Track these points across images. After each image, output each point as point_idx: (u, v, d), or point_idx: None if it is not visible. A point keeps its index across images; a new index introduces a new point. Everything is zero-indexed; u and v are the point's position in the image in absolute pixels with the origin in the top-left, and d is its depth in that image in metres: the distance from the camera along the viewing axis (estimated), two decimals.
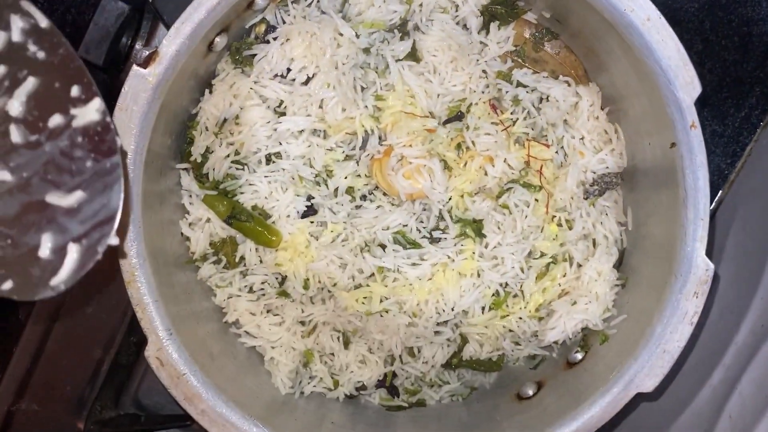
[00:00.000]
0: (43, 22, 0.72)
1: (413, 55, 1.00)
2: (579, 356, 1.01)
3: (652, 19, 0.82)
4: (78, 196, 0.71)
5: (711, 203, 1.21)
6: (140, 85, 0.83)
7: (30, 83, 0.71)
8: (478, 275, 1.00)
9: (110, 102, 0.77)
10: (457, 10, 1.02)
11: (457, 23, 1.02)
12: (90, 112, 0.71)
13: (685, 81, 0.84)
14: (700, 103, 1.19)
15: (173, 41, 0.83)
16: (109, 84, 1.12)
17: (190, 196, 1.01)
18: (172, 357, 0.89)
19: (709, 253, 0.87)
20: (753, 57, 1.20)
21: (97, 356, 1.18)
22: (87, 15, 1.16)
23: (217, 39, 0.91)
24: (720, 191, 1.22)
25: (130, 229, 0.86)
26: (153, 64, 0.82)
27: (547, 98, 1.02)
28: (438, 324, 1.02)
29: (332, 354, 1.04)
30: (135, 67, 0.82)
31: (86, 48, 1.16)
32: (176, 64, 0.84)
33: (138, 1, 1.12)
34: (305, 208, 1.00)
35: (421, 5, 1.00)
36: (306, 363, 1.05)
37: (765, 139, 1.23)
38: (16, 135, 0.70)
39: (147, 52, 0.82)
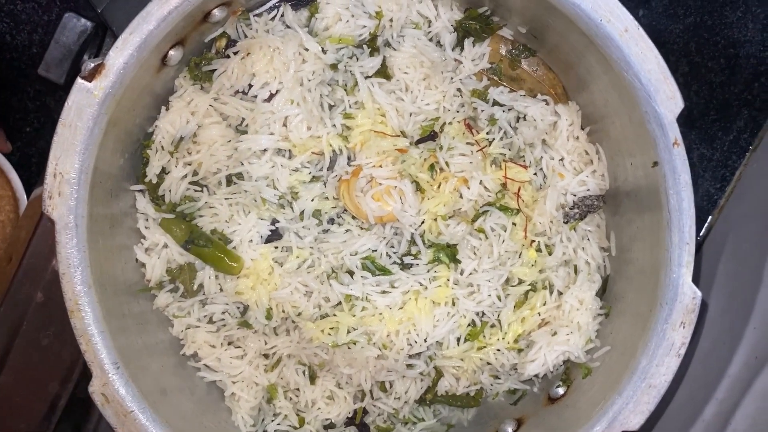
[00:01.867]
0: None
1: (383, 72, 0.96)
2: (561, 391, 0.96)
3: (630, 30, 0.78)
4: None
5: (701, 230, 1.18)
6: (85, 99, 0.78)
7: None
8: (453, 304, 0.95)
9: None
10: (429, 26, 0.98)
11: (430, 39, 0.98)
12: None
13: (666, 96, 0.79)
14: (688, 126, 1.18)
15: (120, 53, 0.78)
16: None
17: (146, 219, 0.95)
18: (118, 393, 0.83)
19: (697, 280, 0.82)
20: (740, 79, 1.18)
21: (53, 391, 1.12)
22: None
23: (172, 52, 0.87)
24: (710, 217, 1.19)
25: (73, 254, 0.80)
26: (99, 78, 0.78)
27: (525, 117, 0.98)
28: (410, 356, 0.96)
29: (297, 389, 0.98)
30: (79, 80, 0.77)
31: (46, 67, 1.12)
32: (124, 77, 0.79)
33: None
34: (269, 233, 0.95)
35: (391, 20, 0.96)
36: (269, 399, 0.99)
37: (755, 162, 1.20)
38: None
39: (92, 65, 0.77)
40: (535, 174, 0.98)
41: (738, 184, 1.20)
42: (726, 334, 1.10)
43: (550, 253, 0.96)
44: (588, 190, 0.97)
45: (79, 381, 1.12)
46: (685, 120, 1.17)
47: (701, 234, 1.18)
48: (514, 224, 0.96)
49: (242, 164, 0.93)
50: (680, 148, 0.79)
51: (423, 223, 0.95)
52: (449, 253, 0.95)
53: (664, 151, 0.80)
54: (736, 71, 1.18)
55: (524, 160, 0.98)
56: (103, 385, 0.82)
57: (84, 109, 0.78)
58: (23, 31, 1.19)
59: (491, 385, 0.99)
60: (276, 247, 0.95)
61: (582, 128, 0.98)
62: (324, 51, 0.94)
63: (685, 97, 1.18)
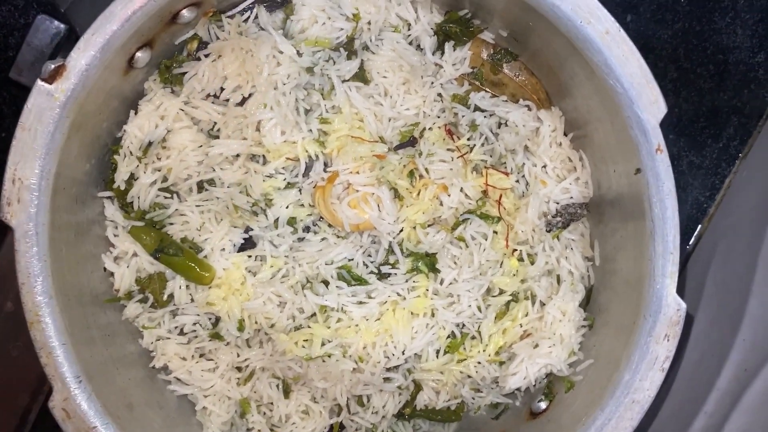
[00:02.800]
0: None
1: (361, 76, 0.94)
2: (543, 405, 0.93)
3: (611, 32, 0.75)
4: None
5: (690, 239, 1.15)
6: (45, 102, 0.75)
7: None
8: (432, 315, 0.92)
9: None
10: (409, 29, 0.96)
11: (410, 43, 0.96)
12: None
13: (648, 101, 0.76)
14: (677, 133, 1.15)
15: (83, 54, 0.75)
16: None
17: (115, 227, 0.92)
18: (80, 408, 0.79)
19: (684, 290, 0.79)
20: (729, 86, 1.16)
21: (23, 403, 1.09)
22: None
23: (139, 54, 0.84)
24: (699, 226, 1.16)
25: (33, 264, 0.77)
26: (60, 79, 0.75)
27: (506, 123, 0.96)
28: (388, 369, 0.93)
29: (271, 403, 0.95)
30: (39, 82, 0.74)
31: (18, 70, 1.09)
32: (87, 79, 0.76)
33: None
34: (242, 241, 0.93)
35: (369, 23, 0.94)
36: (242, 413, 0.96)
37: (745, 170, 1.18)
38: None
39: (53, 66, 0.74)
40: (517, 181, 0.95)
41: (728, 192, 1.18)
42: (715, 346, 1.07)
43: (532, 263, 0.94)
44: (571, 197, 0.95)
45: (50, 393, 1.09)
46: (674, 127, 1.16)
47: (690, 243, 1.16)
48: (495, 233, 0.93)
49: (214, 170, 0.90)
50: (663, 154, 0.77)
51: (401, 231, 0.92)
52: (428, 262, 0.92)
53: (647, 158, 0.77)
54: (725, 78, 1.16)
55: (506, 167, 0.95)
56: (64, 400, 0.79)
57: (44, 112, 0.75)
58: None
59: (472, 398, 0.96)
60: (249, 256, 0.92)
61: (565, 134, 0.96)
62: (299, 54, 0.91)
63: (673, 103, 1.17)
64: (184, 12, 0.84)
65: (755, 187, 1.14)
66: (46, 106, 0.75)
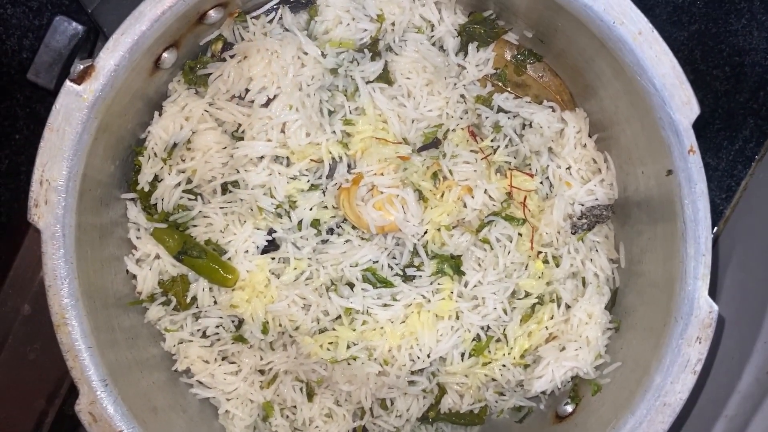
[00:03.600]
0: None
1: (385, 78, 0.93)
2: (569, 409, 0.92)
3: (644, 32, 0.75)
4: None
5: None
6: (74, 103, 0.74)
7: None
8: (457, 317, 0.92)
9: None
10: (432, 30, 0.95)
11: (433, 44, 0.96)
12: None
13: (681, 101, 0.76)
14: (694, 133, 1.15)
15: (111, 55, 0.75)
16: None
17: (138, 229, 0.92)
18: (107, 412, 0.79)
19: (712, 293, 0.79)
20: (746, 87, 1.16)
21: (40, 407, 1.09)
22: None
23: (165, 55, 0.83)
24: (715, 228, 1.16)
25: (60, 266, 0.76)
26: (88, 80, 0.74)
27: (530, 124, 0.96)
28: (412, 373, 0.92)
29: (294, 407, 0.94)
30: (68, 83, 0.74)
31: (36, 71, 1.09)
32: (115, 80, 0.76)
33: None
34: (266, 243, 0.92)
35: (393, 24, 0.94)
36: (265, 417, 0.95)
37: (761, 173, 1.18)
38: None
39: (82, 66, 0.73)
40: (541, 183, 0.95)
41: (744, 194, 1.18)
42: (735, 349, 1.07)
43: (557, 265, 0.93)
44: (596, 199, 0.94)
45: (67, 397, 1.09)
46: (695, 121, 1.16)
47: None
48: (520, 235, 0.93)
49: (238, 172, 0.89)
50: (696, 155, 0.76)
51: (426, 233, 0.92)
52: (453, 264, 0.92)
53: (679, 159, 0.77)
54: (741, 80, 1.16)
55: (530, 169, 0.95)
56: (90, 404, 0.78)
57: (73, 113, 0.75)
58: (13, 36, 1.15)
59: (496, 402, 0.96)
60: (273, 258, 0.92)
61: (590, 136, 0.95)
62: (324, 55, 0.91)
63: None
64: (211, 12, 0.84)
65: None
66: (74, 106, 0.75)
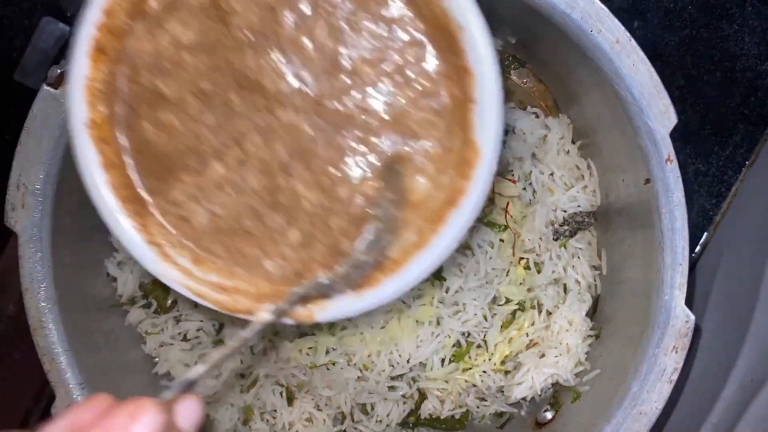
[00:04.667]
0: None
1: None
2: (549, 415, 0.92)
3: (622, 41, 0.74)
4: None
5: (695, 247, 1.14)
6: (51, 107, 0.74)
7: None
8: (437, 323, 0.91)
9: None
10: None
11: None
12: None
13: (659, 110, 0.75)
14: (683, 140, 1.14)
15: None
16: None
17: None
18: None
19: (692, 299, 0.78)
20: (737, 93, 1.15)
21: (25, 407, 1.09)
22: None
23: None
24: (705, 234, 1.16)
25: (37, 269, 0.76)
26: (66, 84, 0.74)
27: (514, 130, 0.95)
28: (392, 378, 0.92)
29: (274, 411, 0.94)
30: (45, 87, 0.74)
31: (23, 72, 1.09)
32: None
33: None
34: None
35: None
36: (245, 421, 0.95)
37: (751, 179, 1.17)
38: None
39: (59, 71, 0.73)
40: (524, 189, 0.94)
41: (734, 200, 1.17)
42: (721, 355, 1.06)
43: (539, 271, 0.93)
44: (579, 206, 0.94)
45: (53, 397, 1.09)
46: (680, 134, 1.14)
47: (696, 251, 1.15)
48: (501, 241, 0.92)
49: None
50: (673, 164, 0.76)
51: None
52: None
53: (657, 168, 0.76)
54: (732, 85, 1.15)
55: (513, 175, 0.94)
56: (66, 407, 0.78)
57: (50, 117, 0.75)
58: (4, 36, 1.15)
59: (477, 407, 0.95)
60: None
61: (573, 142, 0.95)
62: None
63: (680, 110, 1.15)
64: None
65: (762, 195, 1.14)
66: (51, 111, 0.75)
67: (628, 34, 0.75)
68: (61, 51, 1.07)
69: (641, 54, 0.75)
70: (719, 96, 1.15)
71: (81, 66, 0.58)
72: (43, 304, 0.77)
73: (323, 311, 0.62)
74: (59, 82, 0.74)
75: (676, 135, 1.12)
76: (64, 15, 1.00)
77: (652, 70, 0.75)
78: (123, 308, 0.93)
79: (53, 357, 0.78)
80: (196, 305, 0.92)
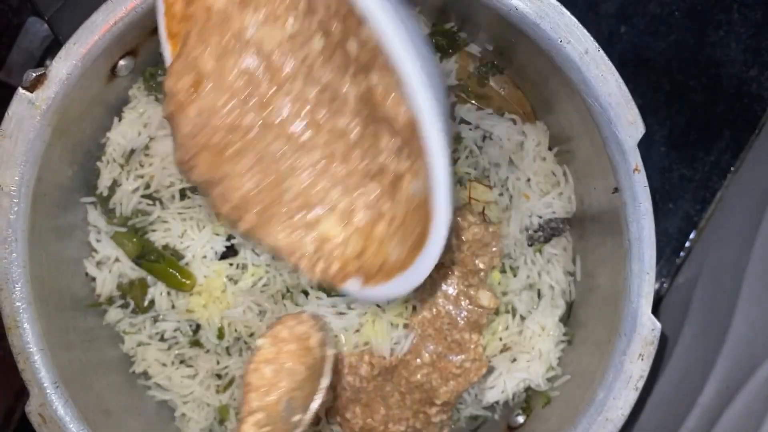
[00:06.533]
0: None
1: None
2: (520, 420, 0.93)
3: (590, 52, 0.75)
4: None
5: (680, 252, 1.15)
6: (26, 110, 0.75)
7: None
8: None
9: None
10: None
11: None
12: None
13: (627, 121, 0.76)
14: (668, 146, 1.15)
15: (64, 63, 0.76)
16: None
17: (98, 232, 0.92)
18: (57, 413, 0.80)
19: (656, 311, 0.79)
20: (722, 99, 1.15)
21: (7, 404, 1.10)
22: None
23: (122, 62, 0.84)
24: (689, 240, 1.16)
25: (12, 269, 0.77)
26: (41, 88, 0.75)
27: (491, 136, 0.96)
28: None
29: None
30: (20, 90, 0.75)
31: (8, 71, 1.10)
32: (68, 88, 0.77)
33: None
34: (225, 249, 0.92)
35: None
36: (221, 420, 0.95)
37: (736, 185, 1.17)
38: None
39: (34, 74, 0.74)
40: (500, 194, 0.95)
41: (719, 206, 1.17)
42: (699, 362, 1.06)
43: (514, 276, 0.93)
44: (554, 212, 0.94)
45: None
46: (665, 140, 1.15)
47: (680, 257, 1.16)
48: None
49: None
50: (641, 174, 0.76)
51: None
52: None
53: (625, 178, 0.77)
54: (718, 91, 1.16)
55: (489, 180, 0.95)
56: (40, 405, 0.79)
57: (25, 120, 0.76)
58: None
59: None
60: (231, 264, 0.92)
61: (550, 149, 0.95)
62: None
63: (666, 116, 1.16)
64: None
65: (745, 202, 1.14)
66: (26, 114, 0.76)
67: (597, 44, 0.75)
68: (46, 51, 1.08)
69: (609, 64, 0.75)
70: (705, 102, 1.15)
71: None
72: (18, 303, 0.78)
73: None
74: (35, 85, 0.75)
75: (661, 140, 1.13)
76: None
77: (621, 80, 0.76)
78: (101, 308, 0.94)
79: (28, 356, 0.79)
80: (173, 306, 0.93)
